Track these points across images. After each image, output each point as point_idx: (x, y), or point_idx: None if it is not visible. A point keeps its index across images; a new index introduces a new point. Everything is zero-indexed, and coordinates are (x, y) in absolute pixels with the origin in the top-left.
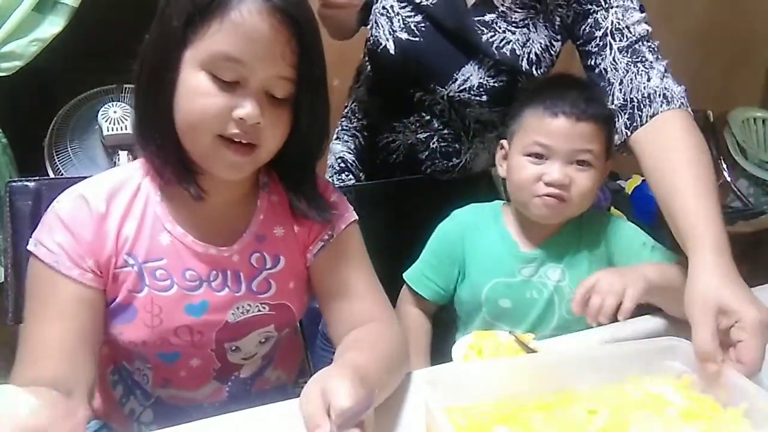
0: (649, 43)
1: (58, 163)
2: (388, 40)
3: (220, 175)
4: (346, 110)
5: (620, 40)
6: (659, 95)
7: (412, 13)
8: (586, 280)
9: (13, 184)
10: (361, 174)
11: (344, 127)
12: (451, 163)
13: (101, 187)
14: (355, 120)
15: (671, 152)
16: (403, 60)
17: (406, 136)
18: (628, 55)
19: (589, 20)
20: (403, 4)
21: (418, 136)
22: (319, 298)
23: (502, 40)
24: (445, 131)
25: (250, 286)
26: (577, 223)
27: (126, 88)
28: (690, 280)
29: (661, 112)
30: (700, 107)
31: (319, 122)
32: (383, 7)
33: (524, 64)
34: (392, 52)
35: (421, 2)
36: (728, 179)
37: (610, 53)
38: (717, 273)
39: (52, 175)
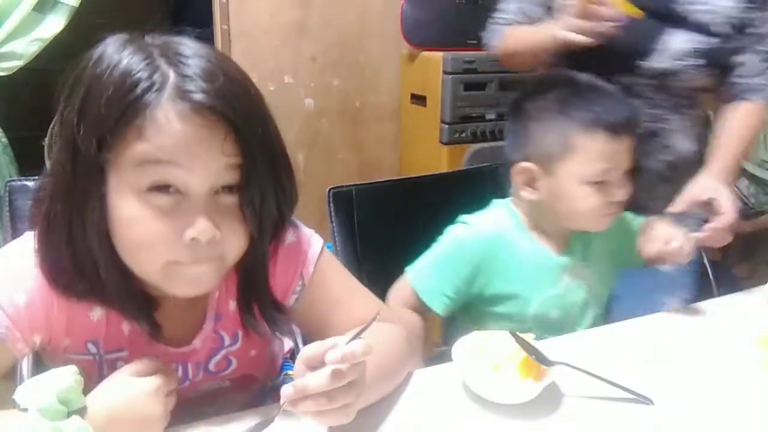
0: None
1: None
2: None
3: (179, 295)
4: None
5: None
6: None
7: None
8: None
9: (13, 183)
10: None
11: None
12: (660, 143)
13: None
14: None
15: None
16: (604, 43)
17: None
18: None
19: None
20: None
21: None
22: (304, 329)
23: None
24: (651, 111)
25: (207, 368)
26: None
27: None
28: None
29: None
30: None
31: (272, 215)
32: (564, 5)
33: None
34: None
35: None
36: None
37: None
38: None
39: None
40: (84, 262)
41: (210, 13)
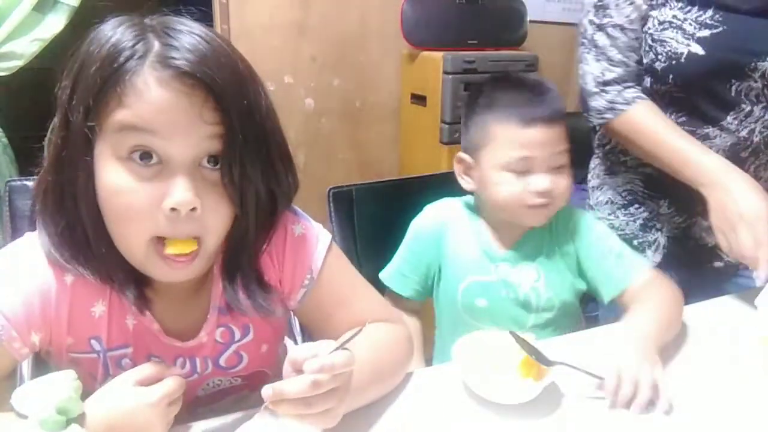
0: None
1: None
2: (688, 45)
3: (161, 281)
4: (609, 146)
5: None
6: None
7: (701, 12)
8: (614, 364)
9: (13, 183)
10: (661, 201)
11: (617, 161)
12: None
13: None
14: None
15: None
16: (715, 54)
17: (723, 140)
18: None
19: None
20: (687, 9)
21: (739, 134)
22: (308, 326)
23: None
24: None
25: (218, 363)
26: (549, 220)
27: None
28: None
29: None
30: None
31: (259, 191)
32: (662, 22)
33: None
34: (701, 53)
35: None
36: None
37: None
38: None
39: None
40: (74, 229)
41: (210, 13)
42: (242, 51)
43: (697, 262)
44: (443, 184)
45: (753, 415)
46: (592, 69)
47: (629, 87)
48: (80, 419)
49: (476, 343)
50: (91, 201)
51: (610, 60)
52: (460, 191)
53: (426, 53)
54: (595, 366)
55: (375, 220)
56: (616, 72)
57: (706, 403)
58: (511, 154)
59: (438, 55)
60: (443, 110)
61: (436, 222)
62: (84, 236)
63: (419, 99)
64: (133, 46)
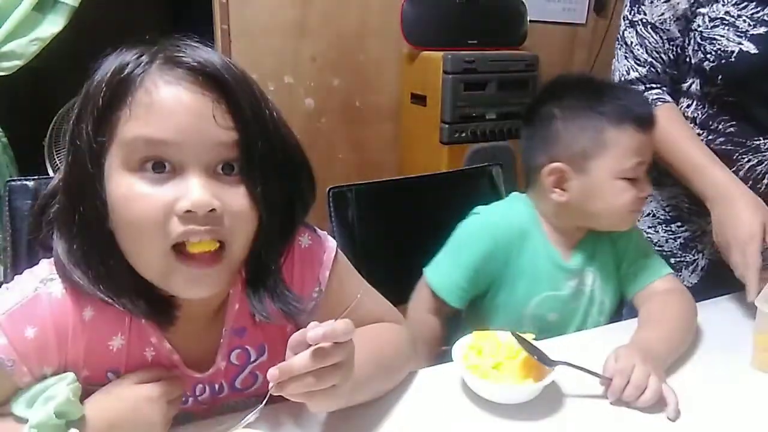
0: None
1: (58, 162)
2: (740, 44)
3: (184, 296)
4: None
5: None
6: None
7: (759, 8)
8: (622, 367)
9: (13, 183)
10: (708, 217)
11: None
12: None
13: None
14: None
15: None
16: None
17: None
18: None
19: None
20: (742, 5)
21: None
22: None
23: None
24: None
25: (234, 385)
26: None
27: None
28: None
29: None
30: None
31: (275, 198)
32: (713, 19)
33: None
34: (753, 51)
35: None
36: None
37: None
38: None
39: (52, 175)
40: (93, 254)
41: (210, 13)
42: (242, 51)
43: (737, 286)
44: (443, 184)
45: (752, 415)
46: (619, 66)
47: (653, 88)
48: (80, 422)
49: (476, 343)
50: (103, 220)
51: (636, 59)
52: (459, 191)
53: (426, 53)
54: (596, 366)
55: (374, 220)
56: (640, 72)
57: (706, 402)
58: (631, 160)
59: (438, 55)
60: (443, 110)
61: (497, 229)
62: (103, 260)
63: (419, 99)
64: (139, 57)
